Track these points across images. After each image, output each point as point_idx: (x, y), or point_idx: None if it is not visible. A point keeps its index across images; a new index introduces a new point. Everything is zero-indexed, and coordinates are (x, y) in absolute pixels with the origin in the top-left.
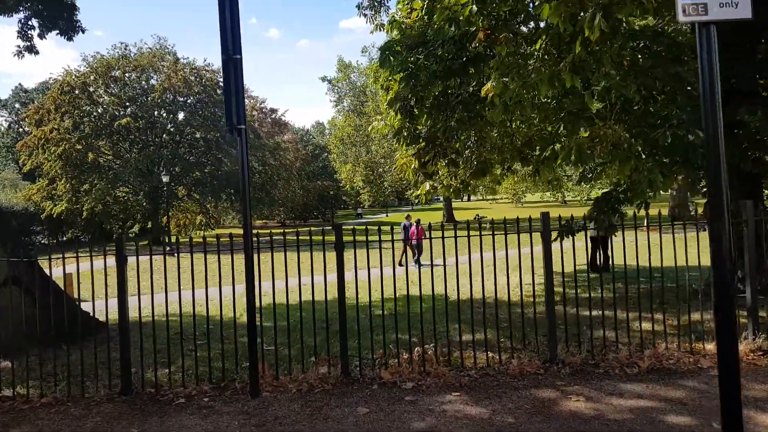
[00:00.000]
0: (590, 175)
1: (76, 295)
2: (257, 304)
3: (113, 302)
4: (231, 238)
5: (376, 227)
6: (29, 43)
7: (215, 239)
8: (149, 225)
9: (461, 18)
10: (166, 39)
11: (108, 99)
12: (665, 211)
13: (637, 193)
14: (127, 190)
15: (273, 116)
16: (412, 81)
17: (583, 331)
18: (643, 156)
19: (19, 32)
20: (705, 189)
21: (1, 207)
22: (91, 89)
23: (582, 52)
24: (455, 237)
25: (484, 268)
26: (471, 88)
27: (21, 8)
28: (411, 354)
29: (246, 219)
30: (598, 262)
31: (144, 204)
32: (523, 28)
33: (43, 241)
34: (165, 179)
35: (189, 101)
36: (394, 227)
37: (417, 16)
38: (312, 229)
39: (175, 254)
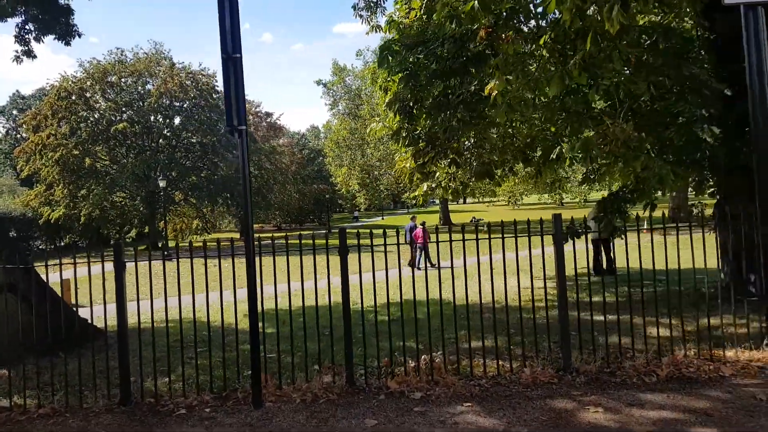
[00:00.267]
0: (593, 176)
1: (73, 302)
2: (259, 309)
3: (111, 308)
4: (232, 243)
5: (381, 230)
6: (27, 48)
7: (215, 243)
8: (146, 230)
9: (463, 15)
10: (162, 44)
11: (105, 104)
12: (667, 213)
13: (645, 191)
14: (124, 195)
15: (268, 120)
16: (411, 81)
17: (595, 337)
18: (653, 154)
19: (16, 36)
20: (712, 189)
21: None
22: (88, 95)
23: (593, 49)
24: (463, 240)
25: (492, 271)
26: (473, 87)
27: (18, 13)
28: (418, 362)
29: (248, 222)
30: (601, 265)
31: (141, 209)
32: (524, 27)
33: (40, 247)
34: (162, 184)
35: (185, 106)
36: (399, 230)
37: (415, 15)
38: (314, 233)
39: (174, 259)
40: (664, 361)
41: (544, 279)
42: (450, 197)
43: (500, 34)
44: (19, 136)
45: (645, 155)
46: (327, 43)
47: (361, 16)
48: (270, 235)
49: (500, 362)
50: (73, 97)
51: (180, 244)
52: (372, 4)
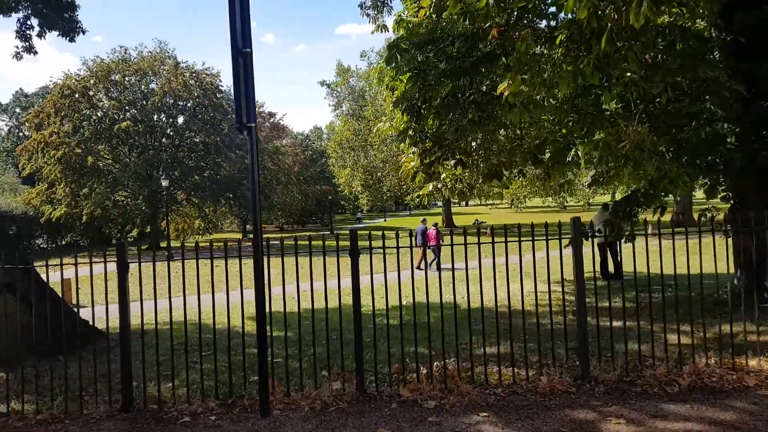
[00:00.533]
0: (602, 178)
1: (74, 302)
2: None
3: (113, 308)
4: (239, 243)
5: (394, 232)
6: (28, 44)
7: (222, 244)
8: (148, 229)
9: (476, 12)
10: (166, 43)
11: (108, 103)
12: (671, 218)
13: (656, 193)
14: (126, 194)
15: (271, 120)
16: (419, 80)
17: (612, 344)
18: (668, 156)
19: (17, 32)
20: (725, 194)
21: None
22: (91, 93)
23: (607, 48)
24: (479, 243)
25: (509, 275)
26: (484, 87)
27: (21, 7)
28: (431, 369)
29: (256, 220)
30: (608, 270)
31: (143, 208)
32: (540, 25)
33: (41, 246)
34: (164, 183)
35: (188, 105)
36: (411, 232)
37: (425, 14)
38: (323, 234)
39: (178, 259)
40: (685, 369)
41: (562, 283)
42: (456, 199)
43: (512, 34)
44: (21, 134)
45: (658, 157)
46: (330, 45)
47: (368, 15)
48: (279, 235)
49: (515, 370)
50: (77, 96)
51: (186, 244)
52: (379, 3)
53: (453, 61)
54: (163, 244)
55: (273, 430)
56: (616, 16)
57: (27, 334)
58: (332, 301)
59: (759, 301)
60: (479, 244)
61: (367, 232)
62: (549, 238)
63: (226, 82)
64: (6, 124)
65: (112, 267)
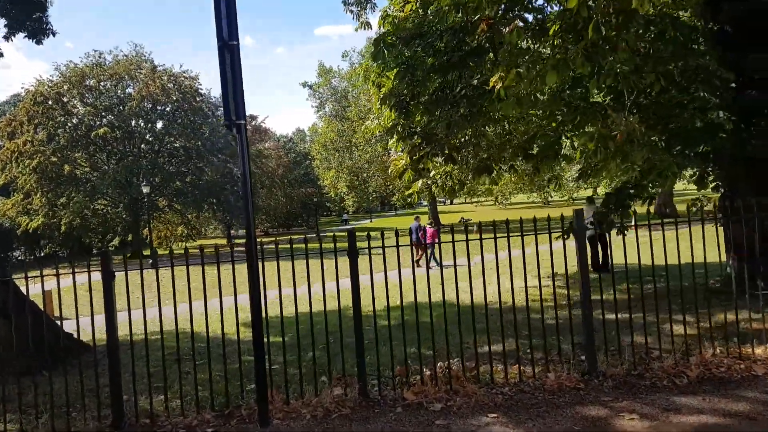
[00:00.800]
0: (589, 171)
1: (57, 314)
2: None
3: (98, 319)
4: (232, 248)
5: (391, 231)
6: None
7: (213, 249)
8: (130, 237)
9: (467, 3)
10: (142, 46)
11: (83, 109)
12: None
13: (645, 185)
14: (105, 202)
15: (253, 123)
16: (407, 76)
17: (614, 336)
18: (660, 146)
19: None
20: (715, 183)
21: None
22: (65, 99)
23: (594, 36)
24: (480, 239)
25: (498, 271)
26: (475, 81)
27: None
28: (434, 370)
29: (249, 223)
30: (600, 262)
31: (124, 216)
32: (528, 18)
33: (19, 258)
34: (145, 190)
35: (167, 109)
36: (399, 231)
37: (411, 9)
38: (323, 235)
39: (166, 266)
40: (693, 361)
41: (566, 278)
42: (445, 196)
43: (500, 27)
44: None
45: (647, 148)
46: (310, 47)
47: (351, 11)
48: (270, 239)
49: (521, 367)
50: (50, 102)
51: (174, 251)
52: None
53: (441, 56)
54: (146, 252)
55: None
56: (604, 5)
57: (7, 349)
58: (330, 304)
59: (753, 289)
60: (481, 240)
61: (374, 233)
62: (538, 232)
63: (206, 84)
64: None
65: (96, 277)
